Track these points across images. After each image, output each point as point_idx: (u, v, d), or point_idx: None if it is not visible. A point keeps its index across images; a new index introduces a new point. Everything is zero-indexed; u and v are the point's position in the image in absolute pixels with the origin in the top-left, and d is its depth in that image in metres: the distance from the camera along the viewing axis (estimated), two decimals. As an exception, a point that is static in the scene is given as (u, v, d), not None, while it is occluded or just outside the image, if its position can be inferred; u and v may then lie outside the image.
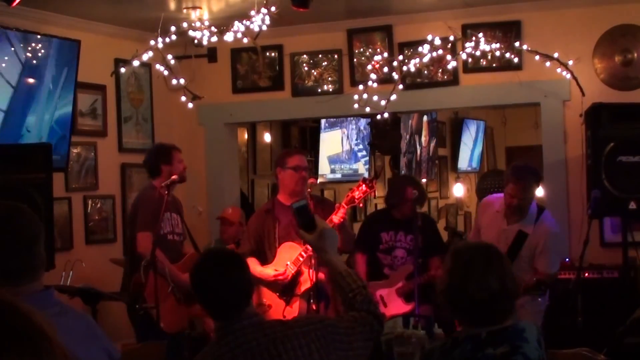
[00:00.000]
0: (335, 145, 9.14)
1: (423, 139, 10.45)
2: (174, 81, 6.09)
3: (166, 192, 5.07)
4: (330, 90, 6.70)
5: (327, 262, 2.79)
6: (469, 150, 11.73)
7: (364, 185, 4.82)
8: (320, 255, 2.82)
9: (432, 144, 10.75)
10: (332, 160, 9.08)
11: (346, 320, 2.61)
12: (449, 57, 6.14)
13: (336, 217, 4.76)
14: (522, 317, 4.77)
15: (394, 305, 5.55)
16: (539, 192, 9.55)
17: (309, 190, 4.95)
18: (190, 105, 6.14)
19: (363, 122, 9.32)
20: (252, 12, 5.43)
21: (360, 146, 9.50)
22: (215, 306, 2.58)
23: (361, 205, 4.87)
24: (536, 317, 4.89)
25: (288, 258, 4.91)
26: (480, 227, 5.24)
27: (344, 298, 2.69)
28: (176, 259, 5.22)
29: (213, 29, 5.71)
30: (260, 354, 2.47)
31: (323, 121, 8.65)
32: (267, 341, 2.49)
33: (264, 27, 5.51)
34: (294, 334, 2.52)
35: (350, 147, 9.36)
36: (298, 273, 4.87)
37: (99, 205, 6.40)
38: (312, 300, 4.83)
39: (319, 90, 6.74)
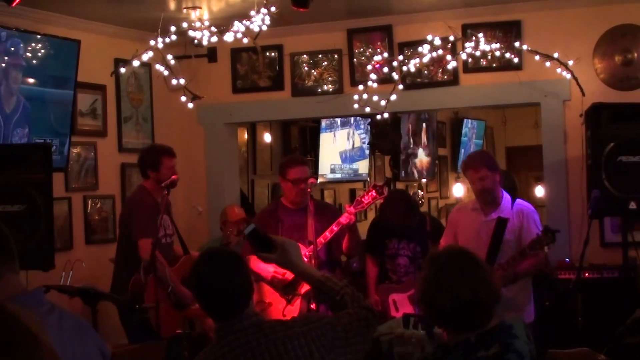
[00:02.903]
0: (343, 142, 9.22)
1: (423, 139, 10.44)
2: (174, 81, 6.09)
3: (166, 192, 5.06)
4: (330, 90, 6.70)
5: (301, 274, 2.77)
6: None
7: (374, 192, 4.91)
8: (291, 271, 2.77)
9: (432, 145, 10.73)
10: (342, 156, 9.17)
11: (343, 317, 2.60)
12: (449, 57, 6.13)
13: (343, 218, 4.84)
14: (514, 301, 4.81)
15: (406, 311, 5.56)
16: (539, 192, 9.54)
17: (308, 190, 4.97)
18: (190, 105, 6.14)
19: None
20: (252, 12, 5.43)
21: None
22: (214, 306, 2.56)
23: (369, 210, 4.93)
24: (525, 297, 4.94)
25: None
26: (457, 228, 5.17)
27: (332, 302, 2.67)
28: (169, 261, 5.20)
29: (213, 29, 5.71)
30: (260, 354, 2.46)
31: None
32: (268, 341, 2.48)
33: (264, 27, 5.50)
34: (294, 334, 2.51)
35: (360, 143, 9.41)
36: None
37: (98, 205, 6.40)
38: (311, 301, 4.84)
39: (319, 90, 6.74)
